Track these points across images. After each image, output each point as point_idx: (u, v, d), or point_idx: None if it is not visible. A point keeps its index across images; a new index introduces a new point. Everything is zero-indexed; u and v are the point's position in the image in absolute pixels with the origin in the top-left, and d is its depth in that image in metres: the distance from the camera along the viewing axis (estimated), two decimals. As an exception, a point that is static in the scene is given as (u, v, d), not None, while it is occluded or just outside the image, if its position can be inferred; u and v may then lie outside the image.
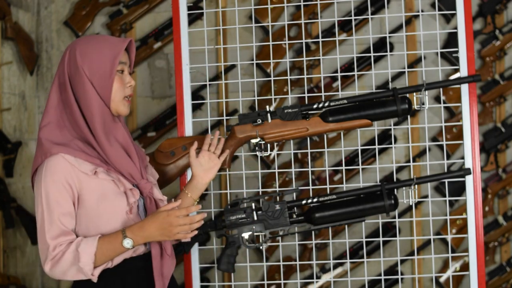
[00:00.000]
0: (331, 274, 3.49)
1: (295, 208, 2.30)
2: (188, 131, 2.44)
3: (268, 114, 2.27)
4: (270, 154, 3.73)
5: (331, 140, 3.73)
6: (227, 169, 2.36)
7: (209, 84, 3.66)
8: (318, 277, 3.67)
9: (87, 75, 1.82)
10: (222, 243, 2.41)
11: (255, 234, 2.24)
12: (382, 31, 3.75)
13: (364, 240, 2.62)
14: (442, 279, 3.69)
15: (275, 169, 3.33)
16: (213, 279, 3.59)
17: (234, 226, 2.22)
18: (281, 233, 2.30)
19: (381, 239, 2.53)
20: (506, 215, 3.75)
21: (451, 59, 3.62)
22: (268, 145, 2.29)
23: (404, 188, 2.34)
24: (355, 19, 3.66)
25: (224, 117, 2.60)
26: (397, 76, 3.63)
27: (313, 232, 2.57)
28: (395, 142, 3.68)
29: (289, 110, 2.28)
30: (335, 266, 3.67)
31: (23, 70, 3.74)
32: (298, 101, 3.70)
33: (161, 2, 3.85)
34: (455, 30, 2.41)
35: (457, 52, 2.38)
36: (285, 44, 3.50)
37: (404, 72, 3.49)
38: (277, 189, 2.53)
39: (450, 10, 3.09)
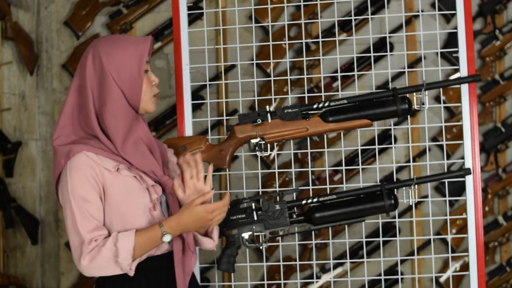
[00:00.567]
0: (331, 274, 3.49)
1: (295, 208, 2.30)
2: (188, 131, 2.45)
3: (268, 114, 2.27)
4: (270, 154, 3.73)
5: (331, 140, 3.73)
6: (227, 169, 2.37)
7: (209, 84, 3.66)
8: (318, 277, 3.67)
9: (115, 78, 1.81)
10: (222, 243, 2.41)
11: (255, 234, 2.24)
12: (382, 31, 3.75)
13: (364, 240, 2.62)
14: (442, 279, 3.69)
15: (275, 169, 3.32)
16: (213, 279, 3.60)
17: (234, 226, 2.22)
18: (281, 233, 2.30)
19: (381, 239, 2.53)
20: (506, 215, 3.75)
21: (451, 59, 3.62)
22: (268, 145, 2.29)
23: (404, 188, 2.34)
24: (355, 19, 3.66)
25: (224, 117, 2.60)
26: (397, 76, 3.63)
27: (313, 232, 2.58)
28: (395, 142, 3.68)
29: (289, 110, 2.28)
30: (335, 266, 3.67)
31: (23, 70, 3.74)
32: (298, 101, 3.70)
33: (161, 2, 3.85)
34: (455, 30, 2.41)
35: (457, 52, 2.38)
36: (285, 44, 3.50)
37: (404, 72, 3.49)
38: (277, 189, 2.53)
39: (450, 10, 3.10)
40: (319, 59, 3.68)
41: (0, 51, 3.52)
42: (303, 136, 2.29)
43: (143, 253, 1.81)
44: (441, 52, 3.51)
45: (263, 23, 3.69)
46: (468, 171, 2.33)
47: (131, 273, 1.80)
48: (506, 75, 3.77)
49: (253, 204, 2.23)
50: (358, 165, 3.60)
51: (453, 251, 3.66)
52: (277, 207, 2.25)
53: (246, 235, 2.24)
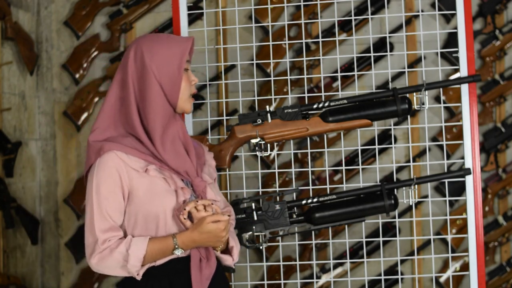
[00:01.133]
0: (331, 274, 3.49)
1: (295, 208, 2.30)
2: (188, 131, 2.44)
3: (268, 114, 2.27)
4: (270, 154, 3.73)
5: (331, 140, 3.73)
6: (227, 169, 2.37)
7: (209, 84, 3.66)
8: (318, 277, 3.67)
9: (155, 74, 1.83)
10: (222, 243, 2.41)
11: (255, 234, 2.24)
12: (382, 31, 3.75)
13: (364, 240, 2.62)
14: (442, 279, 3.69)
15: (275, 169, 3.33)
16: (213, 279, 3.59)
17: (234, 226, 2.22)
18: (281, 233, 2.30)
19: (381, 239, 2.54)
20: (506, 215, 3.75)
21: (451, 59, 3.62)
22: (268, 145, 2.29)
23: (404, 188, 2.35)
24: (355, 19, 3.66)
25: (224, 117, 2.60)
26: (397, 76, 3.63)
27: (313, 232, 2.58)
28: (395, 142, 3.68)
29: (289, 110, 2.28)
30: (335, 266, 3.67)
31: (23, 70, 3.74)
32: (298, 101, 3.70)
33: (161, 2, 3.85)
34: (455, 30, 2.41)
35: (457, 52, 2.38)
36: (285, 44, 3.50)
37: (404, 72, 3.49)
38: (277, 189, 2.53)
39: (450, 10, 3.10)
40: (319, 59, 3.68)
41: (0, 51, 3.52)
42: (303, 136, 2.29)
43: (153, 261, 1.83)
44: (441, 52, 3.51)
45: (263, 23, 3.69)
46: (468, 171, 2.33)
47: (138, 278, 1.82)
48: (506, 75, 3.77)
49: (253, 204, 2.23)
50: (358, 165, 3.60)
51: (453, 251, 3.66)
52: (277, 207, 2.25)
53: (246, 235, 2.24)
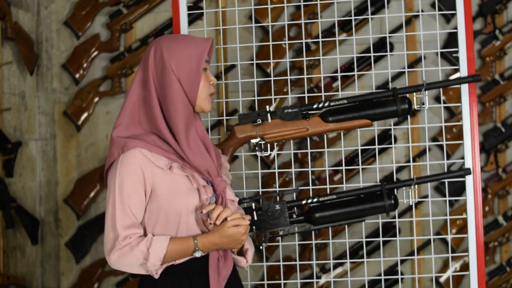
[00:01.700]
0: (331, 274, 3.48)
1: (295, 208, 2.30)
2: (188, 131, 2.44)
3: (268, 114, 2.27)
4: (270, 154, 3.73)
5: (331, 140, 3.73)
6: (227, 169, 2.37)
7: (209, 84, 3.65)
8: (318, 277, 3.67)
9: (174, 72, 1.85)
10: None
11: (255, 234, 2.24)
12: (382, 31, 3.75)
13: (364, 240, 2.62)
14: (442, 279, 3.68)
15: (275, 169, 3.33)
16: (213, 279, 3.59)
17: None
18: (281, 233, 2.30)
19: (381, 239, 2.54)
20: (506, 215, 3.75)
21: (451, 59, 3.62)
22: (268, 145, 2.29)
23: (404, 188, 2.35)
24: (355, 19, 3.66)
25: (224, 117, 2.60)
26: (397, 76, 3.63)
27: (313, 232, 2.58)
28: (395, 142, 3.68)
29: (289, 110, 2.28)
30: (335, 266, 3.67)
31: (23, 70, 3.74)
32: (298, 101, 3.70)
33: (161, 2, 3.85)
34: (455, 30, 2.41)
35: (457, 52, 2.38)
36: (285, 44, 3.50)
37: (404, 72, 3.49)
38: (277, 189, 2.53)
39: (450, 10, 3.10)
40: (319, 59, 3.68)
41: (0, 51, 3.52)
42: (303, 136, 2.29)
43: (173, 261, 1.84)
44: (441, 52, 3.51)
45: (263, 23, 3.69)
46: (468, 171, 2.33)
47: (156, 277, 1.83)
48: (506, 75, 3.77)
49: (253, 204, 2.23)
50: (358, 165, 3.60)
51: (453, 251, 3.66)
52: (277, 207, 2.25)
53: (246, 235, 2.23)
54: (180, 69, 1.86)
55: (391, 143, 3.62)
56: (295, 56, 3.79)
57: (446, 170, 2.51)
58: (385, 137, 3.70)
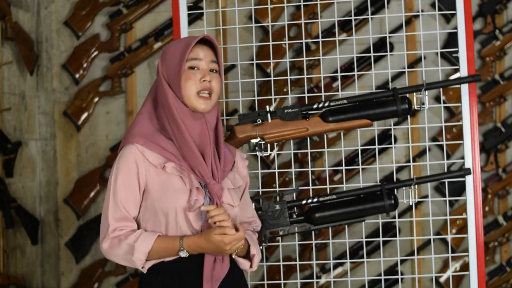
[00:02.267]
0: (331, 274, 3.48)
1: (295, 208, 2.30)
2: (188, 131, 2.44)
3: (268, 114, 2.27)
4: (270, 154, 3.73)
5: (331, 140, 3.73)
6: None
7: (209, 84, 3.65)
8: (318, 277, 3.67)
9: (164, 75, 1.91)
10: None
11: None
12: (382, 31, 3.75)
13: (364, 240, 2.62)
14: (442, 279, 3.68)
15: (275, 169, 3.32)
16: (213, 279, 3.59)
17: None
18: (281, 233, 2.30)
19: (381, 239, 2.54)
20: (506, 215, 3.75)
21: (451, 59, 3.62)
22: (268, 145, 2.29)
23: (404, 188, 2.35)
24: (355, 19, 3.66)
25: (224, 117, 2.60)
26: (397, 76, 3.62)
27: (313, 232, 2.58)
28: (395, 142, 3.68)
29: (289, 110, 2.28)
30: (335, 266, 3.67)
31: (23, 70, 3.74)
32: (298, 101, 3.70)
33: (161, 2, 3.85)
34: (455, 30, 2.41)
35: (457, 52, 2.38)
36: (285, 44, 3.50)
37: (404, 72, 3.49)
38: (277, 189, 2.53)
39: (450, 10, 3.10)
40: (319, 59, 3.67)
41: (0, 51, 3.52)
42: (303, 136, 2.29)
43: (159, 258, 1.87)
44: (441, 52, 3.51)
45: (263, 23, 3.69)
46: (468, 171, 2.33)
47: (144, 271, 1.88)
48: (506, 75, 3.77)
49: (253, 204, 2.22)
50: (358, 165, 3.60)
51: (453, 251, 3.66)
52: (277, 207, 2.25)
53: (246, 235, 2.23)
54: (167, 70, 1.91)
55: (391, 143, 3.62)
56: (295, 56, 3.79)
57: (446, 170, 2.51)
58: (385, 137, 3.70)
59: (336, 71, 3.65)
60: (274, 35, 3.66)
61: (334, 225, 2.31)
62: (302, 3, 2.76)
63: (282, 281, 2.67)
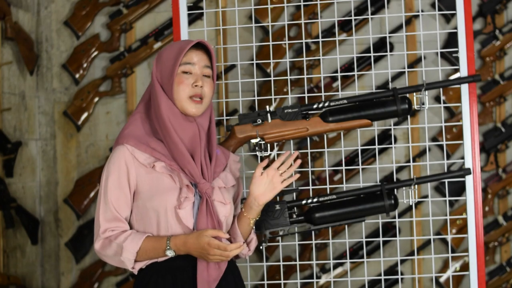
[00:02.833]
0: (331, 274, 3.48)
1: (295, 208, 2.30)
2: (188, 131, 2.44)
3: (268, 114, 2.27)
4: (270, 154, 3.73)
5: (331, 140, 3.73)
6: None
7: (209, 84, 3.65)
8: (318, 277, 3.67)
9: (157, 78, 1.93)
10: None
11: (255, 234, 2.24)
12: (382, 31, 3.75)
13: (364, 240, 2.62)
14: (442, 279, 3.68)
15: (275, 169, 3.32)
16: (213, 279, 3.59)
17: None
18: (281, 233, 2.30)
19: (381, 239, 2.54)
20: (506, 215, 3.75)
21: (451, 59, 3.62)
22: (268, 145, 2.29)
23: (404, 188, 2.34)
24: (355, 19, 3.66)
25: (224, 117, 2.60)
26: (397, 76, 3.62)
27: (313, 232, 2.58)
28: (395, 142, 3.67)
29: (289, 110, 2.28)
30: (335, 266, 3.67)
31: (23, 70, 3.74)
32: (298, 101, 3.70)
33: (161, 2, 3.85)
34: (455, 30, 2.41)
35: (457, 52, 2.38)
36: (285, 44, 3.50)
37: (404, 72, 3.49)
38: (277, 189, 2.52)
39: (450, 10, 3.10)
40: (319, 59, 3.67)
41: (0, 51, 3.52)
42: (303, 136, 2.29)
43: (148, 258, 1.88)
44: (441, 52, 3.51)
45: (263, 23, 3.69)
46: (468, 171, 2.33)
47: (135, 272, 1.90)
48: (506, 75, 3.77)
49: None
50: (358, 165, 3.60)
51: (453, 251, 3.66)
52: (277, 207, 2.25)
53: (246, 235, 2.23)
54: (160, 73, 1.93)
55: (391, 143, 3.62)
56: (295, 56, 3.79)
57: (446, 170, 2.51)
58: (385, 137, 3.70)
59: (336, 71, 3.65)
60: (274, 35, 3.66)
61: (334, 225, 2.31)
62: (302, 3, 2.76)
63: (282, 281, 2.67)
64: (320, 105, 2.29)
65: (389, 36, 3.62)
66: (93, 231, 3.83)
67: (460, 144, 3.60)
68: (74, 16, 3.85)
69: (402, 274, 3.66)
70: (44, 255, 3.85)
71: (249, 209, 2.00)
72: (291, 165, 1.97)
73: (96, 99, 3.83)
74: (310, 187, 2.54)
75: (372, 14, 3.59)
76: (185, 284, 1.88)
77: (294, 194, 2.58)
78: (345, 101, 2.30)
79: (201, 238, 1.82)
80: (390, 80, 2.57)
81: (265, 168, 1.98)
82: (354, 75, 3.57)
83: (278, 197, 2.32)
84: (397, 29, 3.67)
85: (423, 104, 2.32)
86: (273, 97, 2.58)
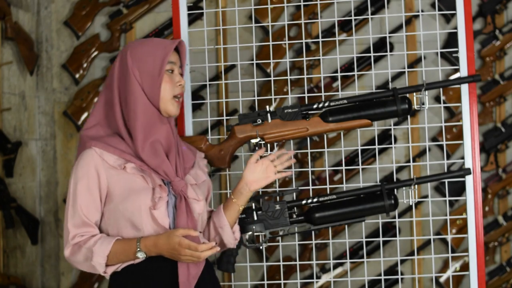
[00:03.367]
0: (331, 274, 3.48)
1: (295, 208, 2.30)
2: (188, 131, 2.45)
3: (268, 114, 2.27)
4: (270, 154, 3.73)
5: (331, 140, 3.73)
6: (227, 169, 2.37)
7: (209, 84, 3.66)
8: (318, 277, 3.67)
9: (136, 76, 1.88)
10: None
11: (255, 234, 2.24)
12: (382, 31, 3.75)
13: (364, 240, 2.62)
14: (442, 279, 3.68)
15: (275, 169, 3.32)
16: (213, 279, 3.59)
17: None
18: (281, 233, 2.30)
19: (381, 239, 2.54)
20: (506, 215, 3.75)
21: (451, 59, 3.62)
22: (268, 145, 2.29)
23: (404, 188, 2.34)
24: (355, 19, 3.66)
25: (224, 117, 2.60)
26: (397, 76, 3.62)
27: (313, 232, 2.58)
28: (395, 142, 3.68)
29: (289, 110, 2.28)
30: (335, 266, 3.67)
31: (23, 70, 3.74)
32: (298, 101, 3.70)
33: (161, 2, 3.85)
34: (455, 30, 2.41)
35: (457, 52, 2.38)
36: (285, 44, 3.50)
37: (404, 72, 3.49)
38: (277, 189, 2.53)
39: (450, 10, 3.10)
40: (319, 59, 3.68)
41: (0, 51, 3.52)
42: (303, 136, 2.29)
43: (119, 262, 1.86)
44: (441, 52, 3.51)
45: (263, 23, 3.69)
46: (468, 171, 2.33)
47: (107, 277, 1.87)
48: (506, 75, 3.77)
49: (253, 204, 2.23)
50: (358, 165, 3.60)
51: (453, 251, 3.66)
52: (277, 207, 2.25)
53: (246, 235, 2.24)
54: (142, 72, 1.88)
55: (391, 143, 3.62)
56: (295, 56, 3.79)
57: (446, 170, 2.51)
58: (385, 137, 3.70)
59: (336, 71, 3.65)
60: (274, 35, 3.66)
61: (334, 225, 2.31)
62: (302, 3, 2.76)
63: (282, 281, 2.67)
64: (320, 105, 2.29)
65: (389, 36, 3.62)
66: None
67: (460, 144, 3.60)
68: (74, 16, 3.85)
69: (402, 274, 3.66)
70: (44, 255, 3.85)
71: (239, 195, 2.02)
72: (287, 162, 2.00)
73: (96, 99, 3.83)
74: (310, 187, 2.54)
75: (372, 14, 3.59)
76: (166, 285, 1.87)
77: (294, 194, 2.58)
78: (345, 101, 2.29)
79: (171, 238, 1.80)
80: (390, 80, 2.57)
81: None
82: (354, 75, 3.57)
83: (278, 197, 2.32)
84: (397, 29, 3.67)
85: (423, 104, 2.31)
86: (273, 97, 2.58)
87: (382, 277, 2.60)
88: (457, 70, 2.72)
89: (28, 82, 3.80)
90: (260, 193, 2.79)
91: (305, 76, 2.58)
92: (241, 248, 2.25)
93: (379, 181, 2.61)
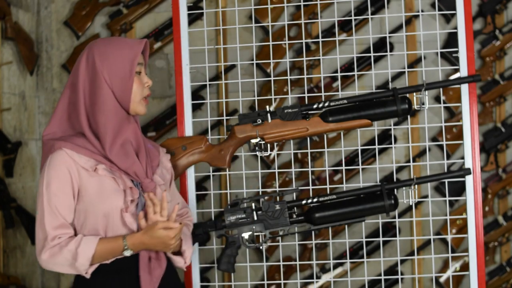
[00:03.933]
0: (331, 274, 3.49)
1: (295, 208, 2.30)
2: (188, 131, 2.44)
3: (268, 114, 2.27)
4: (270, 154, 3.73)
5: (331, 140, 3.73)
6: (227, 169, 2.37)
7: (209, 84, 3.66)
8: (318, 277, 3.67)
9: (105, 78, 1.85)
10: (222, 243, 2.41)
11: (255, 234, 2.24)
12: (382, 31, 3.75)
13: (364, 240, 2.62)
14: (442, 279, 3.68)
15: (275, 169, 3.32)
16: (213, 279, 3.59)
17: (234, 226, 2.22)
18: (281, 233, 2.30)
19: (381, 239, 2.53)
20: (506, 215, 3.75)
21: (451, 59, 3.62)
22: (268, 145, 2.29)
23: (404, 188, 2.34)
24: (355, 19, 3.66)
25: (224, 117, 2.60)
26: (397, 76, 3.63)
27: (313, 232, 2.57)
28: (395, 142, 3.68)
29: (289, 110, 2.27)
30: (335, 266, 3.67)
31: (23, 70, 3.74)
32: (298, 101, 3.70)
33: (161, 2, 3.85)
34: (455, 30, 2.41)
35: (457, 52, 2.38)
36: (285, 44, 3.50)
37: (404, 72, 3.49)
38: (277, 189, 2.53)
39: (450, 10, 3.09)
40: (319, 59, 3.68)
41: (0, 51, 3.52)
42: (303, 136, 2.28)
43: (103, 261, 1.85)
44: (441, 52, 3.51)
45: (263, 23, 3.69)
46: (468, 171, 2.33)
47: (87, 276, 1.84)
48: (506, 75, 3.77)
49: (253, 204, 2.22)
50: (358, 165, 3.60)
51: (453, 251, 3.66)
52: (277, 207, 2.25)
53: (246, 235, 2.23)
54: (112, 74, 1.85)
55: (391, 143, 3.62)
56: (295, 56, 3.79)
57: (446, 170, 2.51)
58: (385, 137, 3.70)
59: (336, 71, 3.65)
60: (274, 35, 3.66)
61: (334, 225, 2.30)
62: (302, 3, 2.75)
63: (282, 281, 2.67)
64: (320, 105, 2.29)
65: (389, 36, 3.62)
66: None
67: (460, 144, 3.60)
68: (74, 16, 3.85)
69: (402, 274, 3.66)
70: (44, 255, 3.84)
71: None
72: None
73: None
74: (310, 187, 2.54)
75: (372, 14, 3.59)
76: (134, 284, 1.87)
77: (294, 194, 2.58)
78: (345, 101, 2.29)
79: (156, 233, 1.81)
80: (390, 80, 2.57)
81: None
82: (354, 75, 3.57)
83: (278, 197, 2.32)
84: (397, 29, 3.67)
85: (423, 104, 2.31)
86: (273, 97, 2.58)
87: (382, 277, 2.60)
88: (457, 70, 2.72)
89: (28, 82, 3.80)
90: (260, 193, 2.80)
91: (305, 76, 2.58)
92: (241, 248, 2.25)
93: (379, 181, 2.61)
